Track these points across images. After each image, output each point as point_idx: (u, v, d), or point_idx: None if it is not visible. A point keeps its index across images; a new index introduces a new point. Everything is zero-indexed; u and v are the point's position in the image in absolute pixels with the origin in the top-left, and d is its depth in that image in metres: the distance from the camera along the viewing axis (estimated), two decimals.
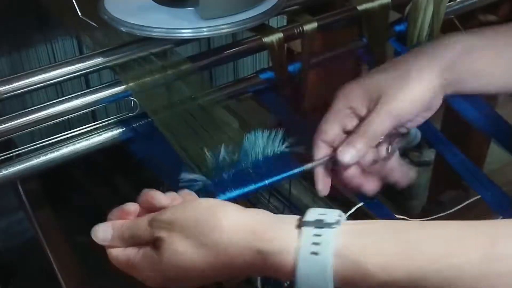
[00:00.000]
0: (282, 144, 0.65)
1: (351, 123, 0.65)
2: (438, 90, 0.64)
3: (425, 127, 0.72)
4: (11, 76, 0.62)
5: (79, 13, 0.62)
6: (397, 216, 0.79)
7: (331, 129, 0.65)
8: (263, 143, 0.64)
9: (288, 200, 0.86)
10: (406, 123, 0.66)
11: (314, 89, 0.87)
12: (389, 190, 0.72)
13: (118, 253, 0.55)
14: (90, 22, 0.65)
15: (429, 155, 1.33)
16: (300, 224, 0.46)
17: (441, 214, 0.92)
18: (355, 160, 0.63)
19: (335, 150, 0.64)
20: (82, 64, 0.65)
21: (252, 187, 0.63)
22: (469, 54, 0.65)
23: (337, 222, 0.46)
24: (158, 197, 0.55)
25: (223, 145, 0.62)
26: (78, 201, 1.35)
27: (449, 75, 0.64)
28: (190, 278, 0.50)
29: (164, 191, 0.81)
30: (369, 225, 0.46)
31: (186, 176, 0.62)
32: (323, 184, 0.66)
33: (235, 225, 0.48)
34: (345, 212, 0.92)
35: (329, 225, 0.45)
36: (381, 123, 0.63)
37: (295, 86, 0.78)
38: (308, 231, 0.45)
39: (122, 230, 0.54)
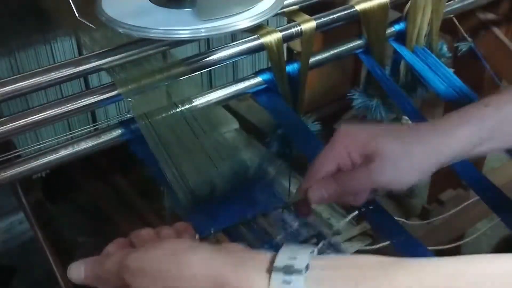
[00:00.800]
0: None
1: (346, 165, 0.62)
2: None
3: None
4: (10, 78, 0.62)
5: (77, 15, 0.62)
6: (397, 219, 0.79)
7: (327, 167, 0.62)
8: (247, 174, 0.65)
9: (288, 197, 0.85)
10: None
11: (313, 89, 0.87)
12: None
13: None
14: (88, 23, 0.65)
15: None
16: (269, 270, 0.45)
17: (441, 216, 0.92)
18: (323, 202, 0.62)
19: None
20: (81, 65, 0.65)
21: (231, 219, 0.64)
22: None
23: (306, 267, 0.45)
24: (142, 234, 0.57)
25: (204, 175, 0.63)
26: (77, 202, 1.35)
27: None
28: None
29: (163, 192, 0.82)
30: (338, 271, 0.45)
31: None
32: (305, 211, 0.66)
33: (197, 275, 0.47)
34: (346, 215, 0.93)
35: (298, 271, 0.45)
36: (362, 184, 0.61)
37: (294, 86, 0.78)
38: (277, 278, 0.45)
39: (94, 270, 0.53)
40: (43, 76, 0.63)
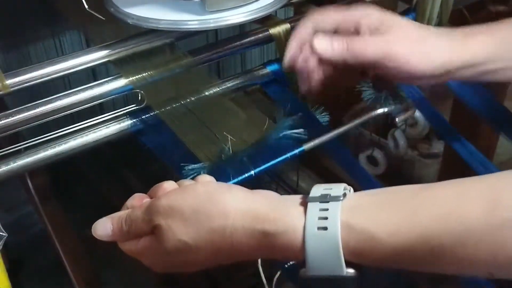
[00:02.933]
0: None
1: (347, 30, 0.62)
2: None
3: (434, 118, 0.71)
4: (19, 70, 0.62)
5: (86, 6, 0.62)
6: None
7: (332, 16, 0.63)
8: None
9: (296, 192, 0.85)
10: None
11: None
12: (398, 182, 0.72)
13: (121, 246, 0.55)
14: (97, 15, 0.65)
15: (438, 146, 1.32)
16: (305, 201, 0.46)
17: None
18: (327, 53, 0.59)
19: None
20: (89, 56, 0.65)
21: (251, 172, 0.62)
22: None
23: (343, 195, 0.45)
24: (165, 186, 0.55)
25: (226, 135, 0.62)
26: (86, 194, 1.36)
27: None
28: (194, 263, 0.50)
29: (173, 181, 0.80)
30: (373, 196, 0.46)
31: (189, 165, 0.62)
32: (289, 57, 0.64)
33: (237, 210, 0.47)
34: None
35: (334, 198, 0.45)
36: (374, 51, 0.59)
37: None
38: (314, 207, 0.45)
39: (121, 224, 0.53)
40: (52, 67, 0.63)
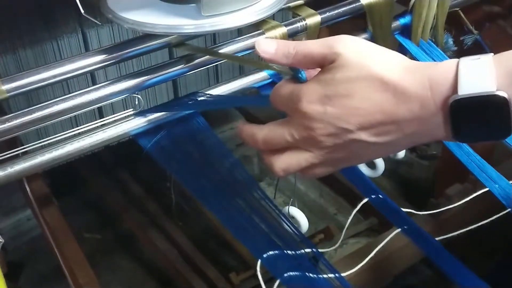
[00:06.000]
0: None
1: None
2: None
3: None
4: (15, 75, 0.62)
5: (82, 11, 0.62)
6: (404, 210, 0.80)
7: None
8: None
9: (294, 194, 0.86)
10: None
11: None
12: (396, 183, 0.72)
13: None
14: (93, 19, 0.65)
15: (436, 148, 1.32)
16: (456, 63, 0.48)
17: (448, 207, 0.92)
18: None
19: None
20: (86, 61, 0.65)
21: None
22: None
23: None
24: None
25: None
26: (84, 198, 1.36)
27: None
28: (359, 97, 0.49)
29: (171, 184, 0.81)
30: None
31: None
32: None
33: (404, 61, 0.50)
34: (352, 207, 0.93)
35: (485, 56, 0.47)
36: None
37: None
38: (465, 59, 0.47)
39: (287, 46, 0.53)
40: (50, 72, 0.63)
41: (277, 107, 0.54)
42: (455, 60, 0.47)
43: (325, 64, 0.51)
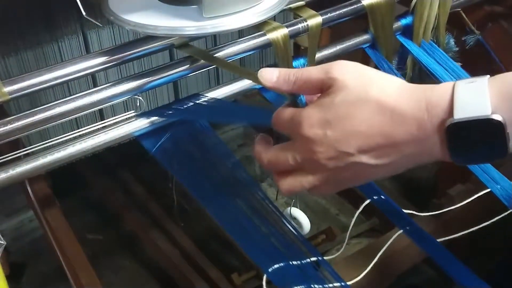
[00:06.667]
0: None
1: None
2: None
3: None
4: (17, 77, 0.62)
5: (83, 13, 0.62)
6: (406, 211, 0.79)
7: None
8: None
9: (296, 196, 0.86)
10: None
11: None
12: (398, 184, 0.72)
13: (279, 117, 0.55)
14: (95, 21, 0.65)
15: None
16: (452, 86, 0.48)
17: (450, 208, 0.92)
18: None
19: None
20: (87, 63, 0.65)
21: None
22: None
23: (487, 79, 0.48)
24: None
25: None
26: (86, 199, 1.36)
27: None
28: (357, 120, 0.50)
29: (173, 184, 0.81)
30: None
31: None
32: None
33: (401, 85, 0.51)
34: (355, 209, 0.93)
35: (481, 78, 0.48)
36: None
37: None
38: (462, 81, 0.48)
39: (288, 74, 0.54)
40: (51, 74, 0.63)
41: (279, 130, 0.56)
42: (451, 83, 0.48)
43: (324, 89, 0.52)
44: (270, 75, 0.55)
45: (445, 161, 0.50)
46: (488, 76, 0.48)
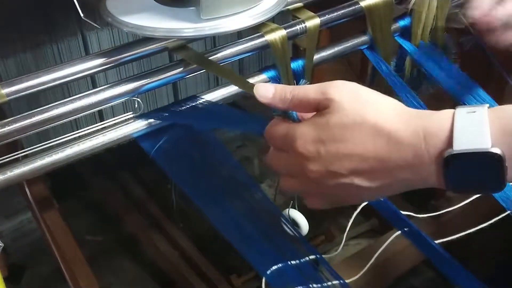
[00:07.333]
0: None
1: None
2: None
3: None
4: (15, 78, 0.62)
5: (82, 15, 0.62)
6: (404, 212, 0.80)
7: None
8: None
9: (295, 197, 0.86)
10: None
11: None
12: None
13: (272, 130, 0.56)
14: (93, 23, 0.65)
15: None
16: (452, 113, 0.48)
17: (449, 209, 0.92)
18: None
19: None
20: (86, 64, 0.65)
21: None
22: None
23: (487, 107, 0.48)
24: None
25: None
26: (85, 200, 1.36)
27: None
28: (352, 143, 0.50)
29: (172, 185, 0.81)
30: None
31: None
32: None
33: (398, 109, 0.51)
34: (353, 209, 0.93)
35: (481, 107, 0.48)
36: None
37: (299, 83, 0.78)
38: (461, 111, 0.48)
39: (284, 92, 0.54)
40: (50, 75, 0.63)
41: (272, 145, 0.56)
42: (450, 111, 0.48)
43: (320, 109, 0.52)
44: (265, 92, 0.55)
45: (438, 187, 0.50)
46: (488, 105, 0.48)
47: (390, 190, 0.52)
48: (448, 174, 0.47)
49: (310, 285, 0.64)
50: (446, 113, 0.48)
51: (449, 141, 0.47)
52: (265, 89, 0.55)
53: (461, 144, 0.46)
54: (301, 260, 0.66)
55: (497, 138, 0.46)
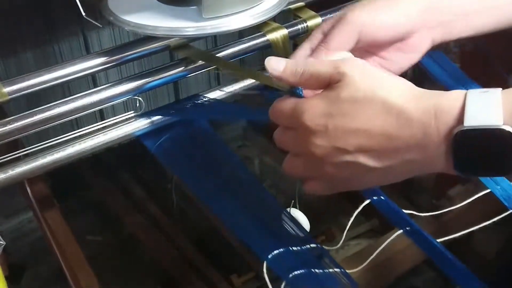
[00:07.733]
0: None
1: None
2: (419, 23, 0.62)
3: None
4: (16, 77, 0.62)
5: (83, 13, 0.62)
6: (405, 211, 0.79)
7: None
8: None
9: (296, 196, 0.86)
10: (381, 52, 0.63)
11: None
12: (397, 184, 0.72)
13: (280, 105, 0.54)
14: (94, 22, 0.65)
15: None
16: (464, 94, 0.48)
17: (450, 208, 0.92)
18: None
19: None
20: (87, 63, 0.65)
21: None
22: None
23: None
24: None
25: None
26: (85, 200, 1.36)
27: (432, 15, 0.62)
28: (361, 119, 0.49)
29: (172, 185, 0.80)
30: None
31: None
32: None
33: (410, 88, 0.50)
34: (354, 209, 0.93)
35: (494, 89, 0.47)
36: (340, 34, 0.59)
37: None
38: (474, 92, 0.47)
39: (295, 66, 0.53)
40: (51, 74, 0.63)
41: (277, 122, 0.55)
42: (462, 91, 0.48)
43: (331, 83, 0.51)
44: (277, 65, 0.54)
45: (447, 173, 0.49)
46: (501, 88, 0.47)
47: (395, 173, 0.51)
48: (457, 153, 0.46)
49: (312, 270, 0.63)
50: (458, 92, 0.48)
51: (460, 118, 0.46)
52: (276, 62, 0.54)
53: (472, 121, 0.45)
54: (303, 247, 0.65)
55: (509, 117, 0.45)
